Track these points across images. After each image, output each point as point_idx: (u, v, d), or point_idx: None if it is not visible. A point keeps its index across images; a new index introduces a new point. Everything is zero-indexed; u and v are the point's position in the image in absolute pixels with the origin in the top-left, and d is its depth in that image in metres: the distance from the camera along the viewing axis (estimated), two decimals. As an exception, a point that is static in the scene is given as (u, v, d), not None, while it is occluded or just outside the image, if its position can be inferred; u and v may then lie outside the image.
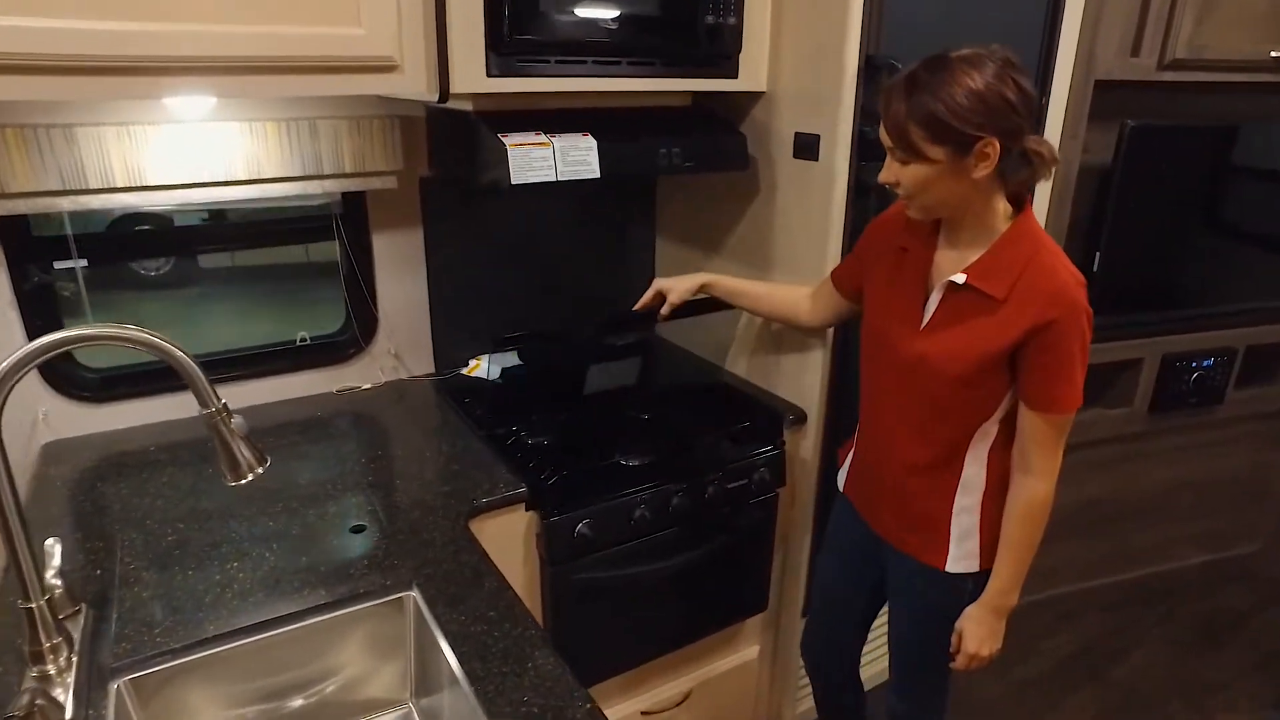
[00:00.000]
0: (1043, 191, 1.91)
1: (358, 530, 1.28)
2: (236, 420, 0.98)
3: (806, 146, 1.56)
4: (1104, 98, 1.97)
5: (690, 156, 1.52)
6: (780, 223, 1.67)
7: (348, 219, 1.72)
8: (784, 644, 1.90)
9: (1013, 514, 1.24)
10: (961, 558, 1.30)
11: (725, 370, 1.93)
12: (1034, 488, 1.21)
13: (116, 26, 1.08)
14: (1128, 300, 2.34)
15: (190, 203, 1.54)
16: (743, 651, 1.89)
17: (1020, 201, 1.18)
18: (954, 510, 1.29)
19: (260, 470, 0.99)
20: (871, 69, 1.46)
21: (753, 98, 1.65)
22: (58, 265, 1.52)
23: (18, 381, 0.86)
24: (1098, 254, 2.23)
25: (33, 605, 0.89)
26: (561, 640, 1.49)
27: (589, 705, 0.93)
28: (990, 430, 1.24)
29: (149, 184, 1.47)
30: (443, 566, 1.19)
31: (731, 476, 1.62)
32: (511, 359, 1.91)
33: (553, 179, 1.38)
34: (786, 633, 1.88)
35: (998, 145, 1.06)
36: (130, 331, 0.90)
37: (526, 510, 1.42)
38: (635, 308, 1.65)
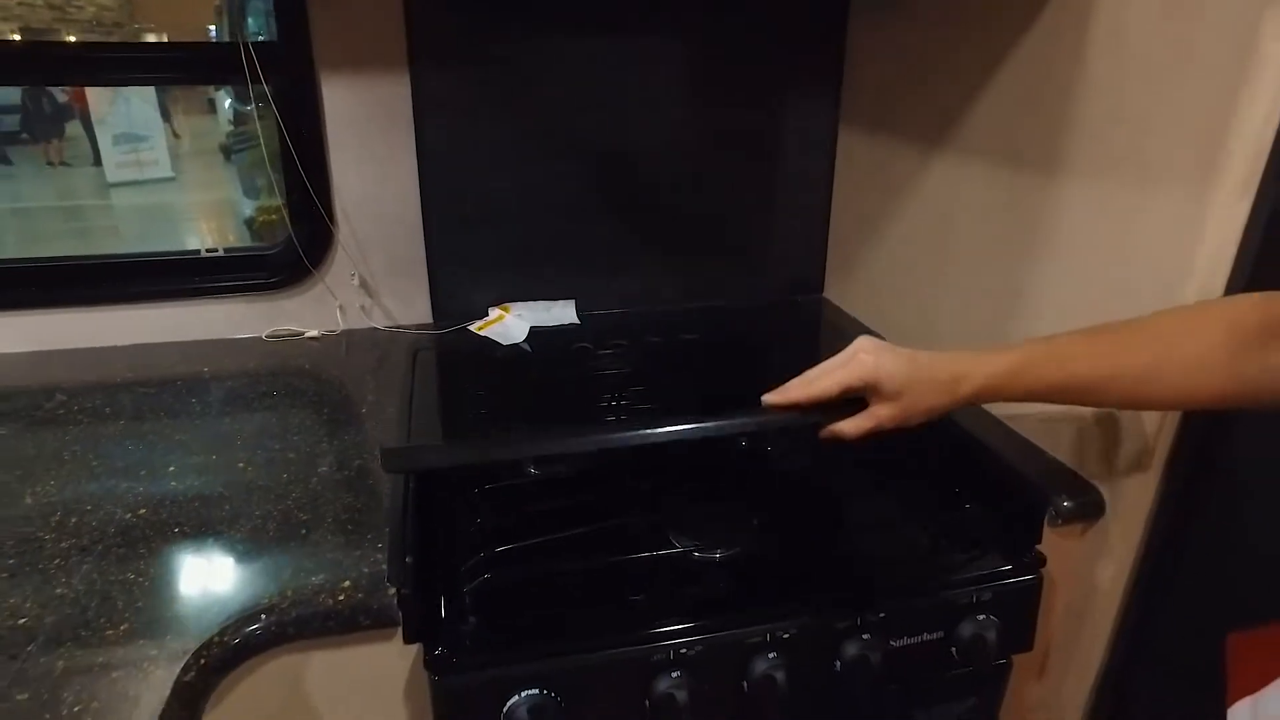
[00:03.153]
0: None
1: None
2: None
3: None
4: None
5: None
6: (1108, 100, 0.74)
7: (274, 51, 1.00)
8: None
9: None
10: None
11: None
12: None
13: None
14: None
15: None
16: None
17: None
18: None
19: None
20: None
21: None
22: None
23: None
24: None
25: None
26: None
27: None
28: None
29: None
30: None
31: (911, 624, 0.72)
32: (565, 313, 1.13)
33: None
34: None
35: None
36: None
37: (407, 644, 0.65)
38: (769, 402, 0.68)
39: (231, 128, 6.27)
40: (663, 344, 1.11)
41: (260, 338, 1.11)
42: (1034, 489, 0.75)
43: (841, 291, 1.26)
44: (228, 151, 6.20)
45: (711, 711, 0.66)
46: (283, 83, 1.01)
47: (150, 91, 6.59)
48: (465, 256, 1.12)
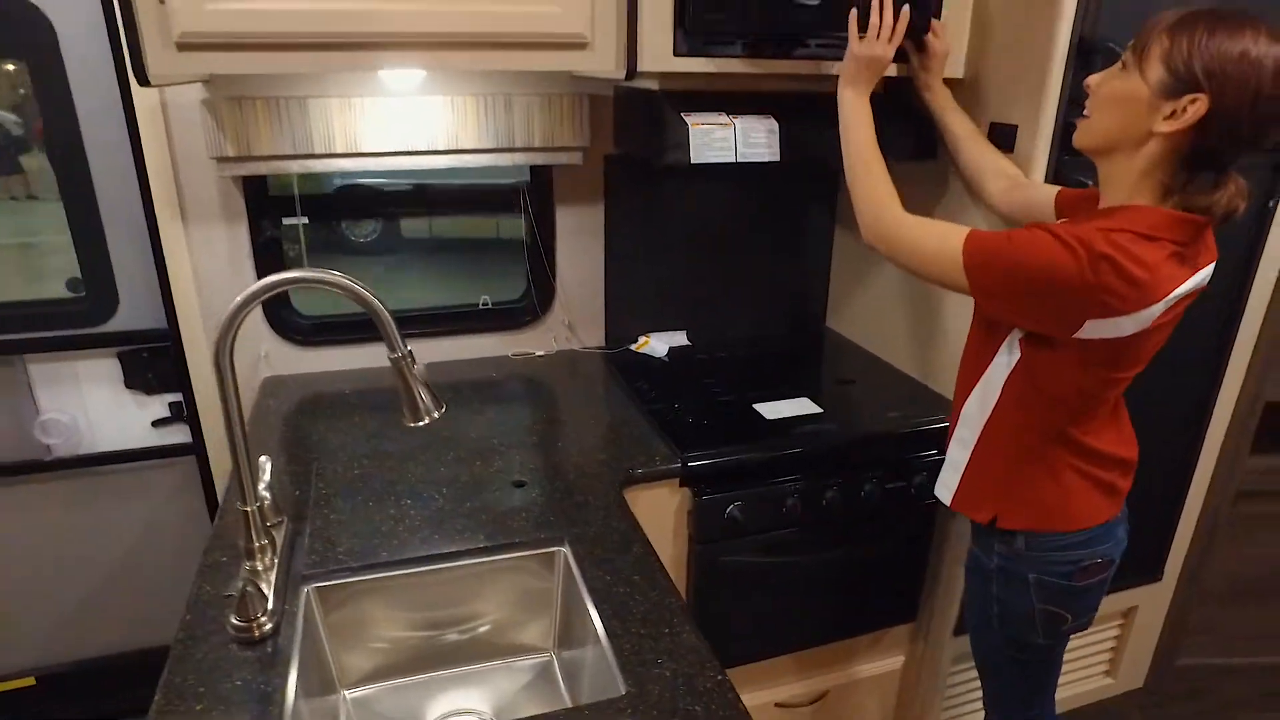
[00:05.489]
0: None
1: (519, 485, 1.36)
2: (419, 367, 1.07)
3: (1003, 137, 1.47)
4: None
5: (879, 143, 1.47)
6: (967, 218, 1.58)
7: (534, 192, 1.81)
8: (930, 658, 1.81)
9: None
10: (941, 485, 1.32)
11: (897, 369, 1.85)
12: (898, 210, 1.23)
13: (342, 6, 1.20)
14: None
15: (396, 169, 1.68)
16: (886, 660, 1.82)
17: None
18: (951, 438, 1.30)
19: (436, 415, 1.07)
20: (1084, 53, 1.35)
21: (947, 85, 1.57)
22: (286, 221, 1.71)
23: (247, 314, 0.98)
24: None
25: (248, 509, 1.02)
26: (701, 619, 1.50)
27: (719, 677, 0.94)
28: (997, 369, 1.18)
29: (363, 150, 1.61)
30: (593, 528, 1.24)
31: (891, 477, 1.56)
32: (680, 339, 1.93)
33: (731, 160, 1.39)
34: (935, 646, 1.79)
35: (1204, 107, 0.95)
36: (335, 277, 1.00)
37: (680, 486, 1.44)
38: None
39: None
40: (736, 355, 1.93)
41: (509, 356, 1.89)
42: (945, 414, 1.59)
43: (837, 321, 2.10)
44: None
45: (808, 514, 1.48)
46: (537, 208, 1.81)
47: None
48: (625, 306, 1.93)
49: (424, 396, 1.07)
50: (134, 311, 1.70)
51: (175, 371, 1.70)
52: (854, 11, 1.28)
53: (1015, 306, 1.09)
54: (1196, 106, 0.95)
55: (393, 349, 1.04)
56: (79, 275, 1.66)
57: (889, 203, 1.23)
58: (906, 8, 1.28)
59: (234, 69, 1.22)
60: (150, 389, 1.76)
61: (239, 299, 0.97)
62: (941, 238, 1.12)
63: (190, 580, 1.10)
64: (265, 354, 1.75)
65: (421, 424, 1.07)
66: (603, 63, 1.33)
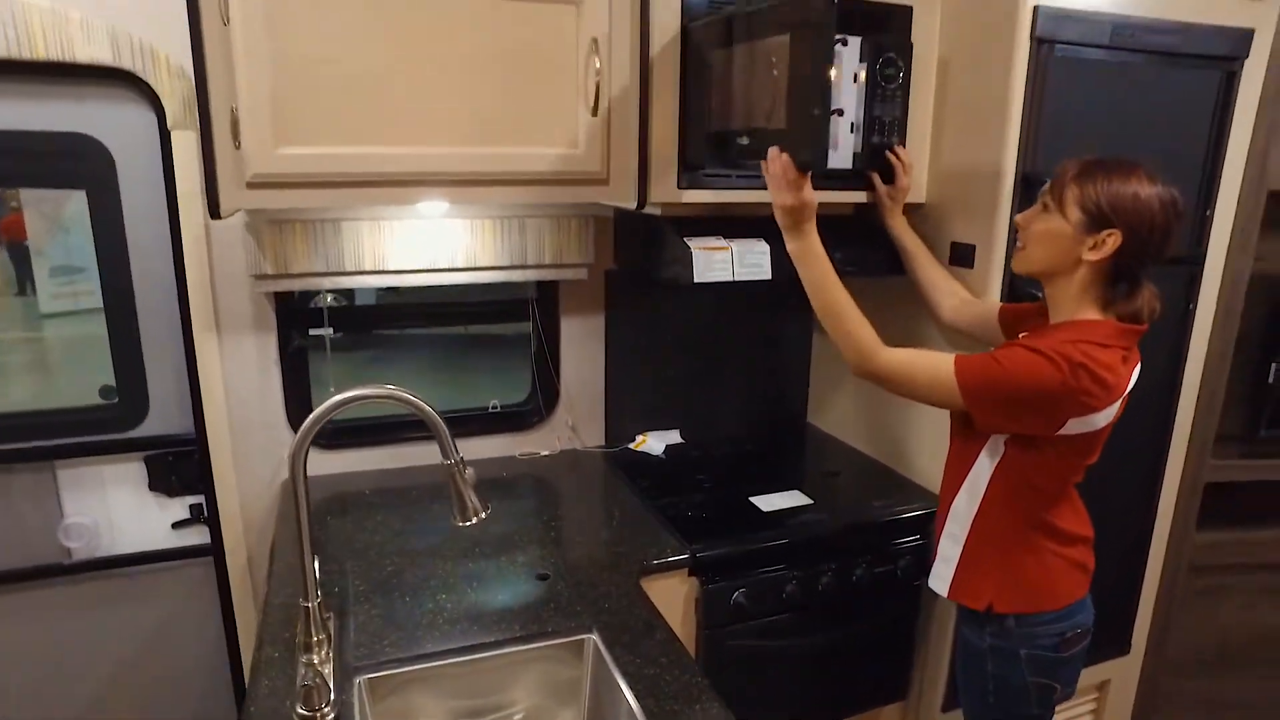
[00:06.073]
0: (1207, 303, 1.91)
1: (543, 578, 1.46)
2: (469, 472, 1.19)
3: (963, 255, 1.68)
4: (1280, 208, 1.97)
5: (852, 262, 1.66)
6: (931, 329, 1.78)
7: (541, 303, 1.97)
8: (923, 737, 1.91)
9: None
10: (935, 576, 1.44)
11: (877, 461, 2.01)
12: (881, 350, 1.31)
13: (391, 150, 1.38)
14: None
15: (418, 285, 1.83)
16: (881, 739, 1.91)
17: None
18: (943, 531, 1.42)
19: (484, 515, 1.19)
20: (1027, 185, 1.58)
21: (911, 208, 1.79)
22: (313, 332, 1.84)
23: (318, 428, 1.10)
24: (1274, 365, 2.17)
25: (309, 604, 1.12)
26: (711, 702, 1.59)
27: (752, 748, 1.04)
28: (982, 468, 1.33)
29: (389, 269, 1.77)
30: (618, 616, 1.34)
31: (879, 561, 1.70)
32: (675, 436, 2.08)
33: (730, 279, 1.57)
34: (926, 724, 1.89)
35: (1119, 239, 1.18)
36: (401, 393, 1.13)
37: (690, 575, 1.56)
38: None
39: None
40: (727, 451, 2.08)
41: (516, 456, 2.01)
42: (926, 501, 1.74)
43: (818, 418, 2.26)
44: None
45: (807, 599, 1.60)
46: (544, 318, 1.96)
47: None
48: (624, 406, 2.07)
49: (472, 499, 1.19)
50: (163, 417, 1.79)
51: (199, 474, 1.79)
52: (764, 163, 1.29)
53: (1009, 415, 1.26)
54: (1113, 239, 1.19)
55: (446, 456, 1.16)
56: (113, 384, 1.76)
57: (867, 341, 1.31)
58: (774, 149, 1.25)
59: (294, 204, 1.38)
60: (172, 491, 1.83)
61: (317, 411, 1.09)
62: (932, 369, 1.28)
63: (206, 678, 1.17)
64: (287, 457, 1.84)
65: (470, 523, 1.18)
66: (618, 196, 1.52)
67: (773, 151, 1.25)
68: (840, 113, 1.58)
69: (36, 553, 1.76)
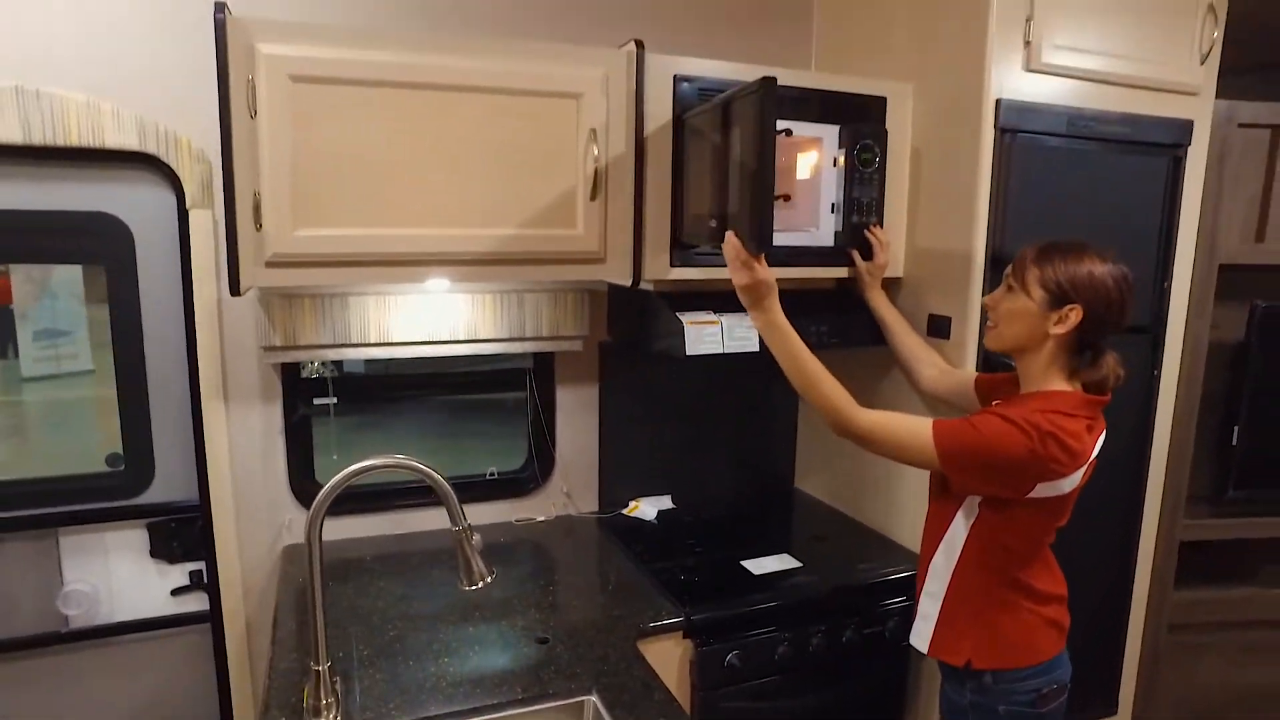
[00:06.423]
0: (1171, 368, 2.02)
1: (542, 641, 1.50)
2: (476, 538, 1.24)
3: (939, 326, 1.78)
4: (1232, 279, 2.10)
5: (836, 334, 1.77)
6: (913, 396, 1.87)
7: (538, 373, 2.05)
8: (917, 801, 1.92)
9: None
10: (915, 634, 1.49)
11: (862, 524, 2.08)
12: (858, 412, 1.35)
13: (402, 232, 1.47)
14: (1275, 474, 2.33)
15: (419, 356, 1.90)
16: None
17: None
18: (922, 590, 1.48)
19: (489, 579, 1.24)
20: (995, 263, 1.69)
21: (890, 282, 1.90)
22: (317, 402, 1.90)
23: (335, 495, 1.16)
24: (1235, 428, 2.27)
25: (320, 668, 1.15)
26: (706, 765, 1.62)
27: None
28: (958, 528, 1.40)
29: (393, 341, 1.84)
30: (617, 678, 1.38)
31: (866, 623, 1.75)
32: (666, 502, 2.13)
33: (720, 351, 1.65)
34: (919, 789, 1.91)
35: (1080, 313, 1.28)
36: (413, 463, 1.19)
37: (684, 638, 1.60)
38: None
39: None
40: (718, 516, 2.14)
41: (512, 521, 2.05)
42: (912, 564, 1.80)
43: (804, 482, 2.33)
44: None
45: (798, 660, 1.64)
46: (540, 388, 2.04)
47: (78, 283, 7.35)
48: (617, 473, 2.13)
49: (478, 564, 1.24)
50: (167, 484, 1.83)
51: (201, 540, 1.82)
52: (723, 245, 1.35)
53: (983, 478, 1.34)
54: (1075, 313, 1.30)
55: (455, 522, 1.22)
56: (120, 451, 1.80)
57: (844, 406, 1.35)
58: (730, 233, 1.34)
59: (310, 282, 1.46)
60: (174, 558, 1.86)
61: (334, 480, 1.15)
62: (911, 433, 1.35)
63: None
64: (288, 523, 1.88)
65: (476, 588, 1.23)
66: (614, 274, 1.61)
67: (729, 235, 1.34)
68: (787, 198, 1.70)
69: (34, 621, 1.78)
